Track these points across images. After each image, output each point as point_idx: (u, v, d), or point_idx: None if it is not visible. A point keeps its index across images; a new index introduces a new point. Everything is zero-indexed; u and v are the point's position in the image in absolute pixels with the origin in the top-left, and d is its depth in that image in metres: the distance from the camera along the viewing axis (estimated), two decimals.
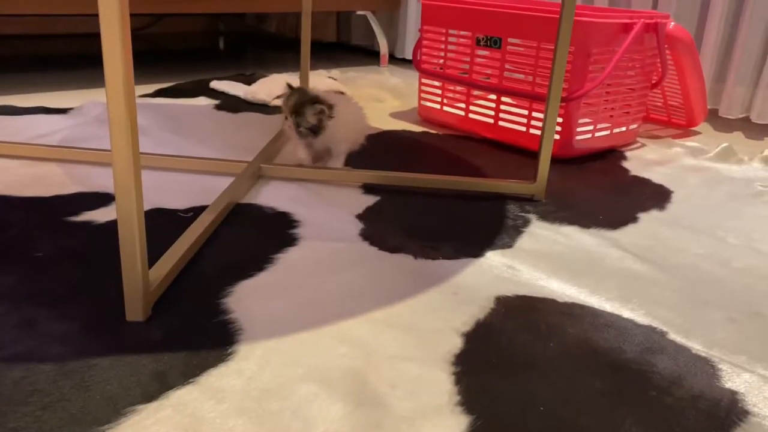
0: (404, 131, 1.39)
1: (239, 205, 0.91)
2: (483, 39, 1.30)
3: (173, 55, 2.20)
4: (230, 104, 1.52)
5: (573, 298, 0.71)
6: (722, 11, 1.55)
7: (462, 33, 1.35)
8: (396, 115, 1.53)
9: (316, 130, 1.02)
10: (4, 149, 1.04)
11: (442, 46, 1.39)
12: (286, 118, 1.03)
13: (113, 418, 0.48)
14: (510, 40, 1.26)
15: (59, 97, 1.47)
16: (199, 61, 2.10)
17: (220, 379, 0.53)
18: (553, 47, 1.19)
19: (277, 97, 1.55)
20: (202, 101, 1.53)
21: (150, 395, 0.51)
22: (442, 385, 0.54)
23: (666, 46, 1.31)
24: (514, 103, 1.31)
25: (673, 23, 1.33)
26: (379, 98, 1.71)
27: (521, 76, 1.27)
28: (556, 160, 1.22)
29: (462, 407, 0.52)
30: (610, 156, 1.29)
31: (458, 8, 1.34)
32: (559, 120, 1.19)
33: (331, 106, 1.02)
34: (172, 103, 1.48)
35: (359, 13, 2.17)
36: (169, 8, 1.65)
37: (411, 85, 1.88)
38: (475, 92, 1.36)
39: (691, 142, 1.39)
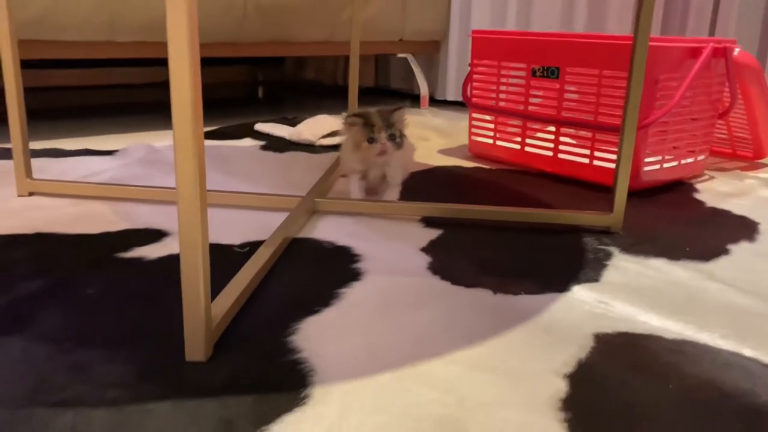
0: (455, 167, 1.33)
1: (296, 240, 0.85)
2: (539, 69, 1.25)
3: (214, 103, 2.20)
4: (276, 145, 1.48)
5: (681, 335, 0.62)
6: None
7: (516, 65, 1.30)
8: (444, 152, 1.48)
9: (402, 136, 1.00)
10: (51, 188, 1.00)
11: (495, 79, 1.35)
12: (372, 140, 0.97)
13: None
14: (569, 69, 1.20)
15: (103, 141, 1.45)
16: (239, 108, 2.10)
17: (297, 426, 0.46)
18: (615, 75, 1.13)
19: (324, 136, 1.51)
20: (248, 142, 1.50)
21: None
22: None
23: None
24: (575, 134, 1.24)
25: (738, 50, 1.26)
26: (423, 137, 1.66)
27: (573, 105, 1.21)
28: None
29: None
30: (679, 188, 1.21)
31: (511, 39, 1.30)
32: None
33: (403, 106, 1.00)
34: (219, 145, 1.45)
35: (399, 56, 2.16)
36: (215, 52, 1.65)
37: (455, 125, 1.83)
38: (531, 125, 1.30)
39: (763, 174, 1.30)
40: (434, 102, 2.36)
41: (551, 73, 1.23)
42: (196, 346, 0.54)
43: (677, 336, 0.62)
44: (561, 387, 0.53)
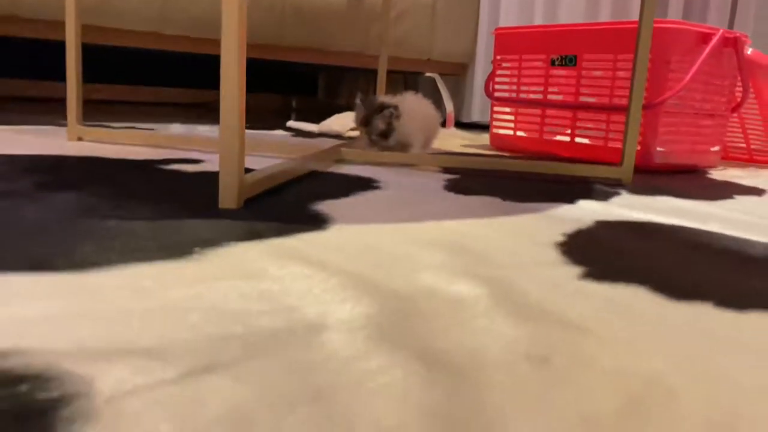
0: (476, 153, 1.38)
1: (321, 172, 0.91)
2: (558, 59, 1.32)
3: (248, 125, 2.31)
4: (306, 135, 1.56)
5: (682, 224, 0.66)
6: None
7: (536, 56, 1.37)
8: (466, 147, 1.54)
9: (387, 134, 1.05)
10: (100, 134, 1.08)
11: (516, 72, 1.42)
12: (366, 131, 1.07)
13: (206, 247, 0.46)
14: (586, 56, 1.27)
15: (146, 125, 1.55)
16: (271, 125, 2.20)
17: (316, 238, 0.51)
18: (629, 58, 1.20)
19: (353, 129, 1.59)
20: (279, 133, 1.58)
21: (245, 239, 0.49)
22: (548, 253, 0.50)
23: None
24: (591, 118, 1.30)
25: (751, 49, 1.32)
26: (446, 140, 1.73)
27: (589, 90, 1.27)
28: (636, 170, 1.18)
29: (574, 263, 0.47)
30: (693, 172, 1.25)
31: (532, 32, 1.38)
32: (640, 131, 1.17)
33: (396, 107, 1.05)
34: (253, 133, 1.54)
35: (427, 75, 2.26)
36: (254, 53, 1.76)
37: (479, 136, 1.90)
38: (550, 113, 1.36)
39: None
40: (459, 125, 2.45)
41: (569, 61, 1.30)
42: (229, 195, 0.59)
43: (678, 224, 0.66)
44: (560, 238, 0.57)
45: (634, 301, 0.40)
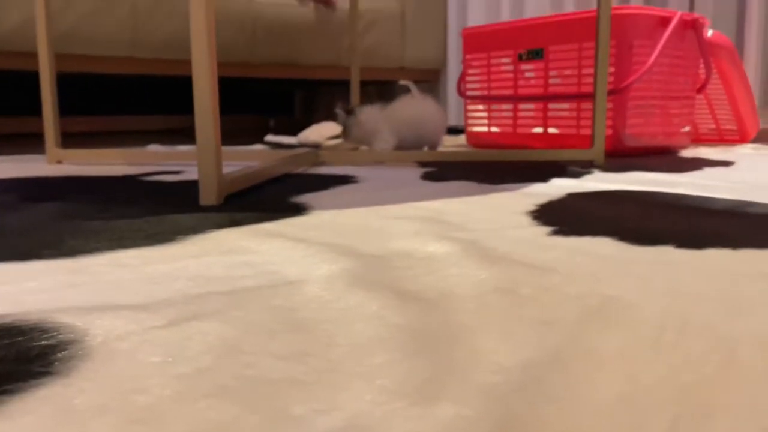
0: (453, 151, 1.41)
1: (298, 174, 0.93)
2: (525, 53, 1.35)
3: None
4: (285, 148, 1.58)
5: (650, 190, 0.68)
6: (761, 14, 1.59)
7: (504, 52, 1.41)
8: (444, 147, 1.56)
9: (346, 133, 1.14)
10: (79, 156, 1.10)
11: (486, 70, 1.45)
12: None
13: (189, 234, 0.48)
14: (552, 48, 1.31)
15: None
16: (249, 142, 2.22)
17: (294, 221, 0.53)
18: (593, 46, 1.23)
19: (331, 138, 1.61)
20: (258, 147, 1.60)
21: (227, 227, 0.50)
22: (520, 219, 0.52)
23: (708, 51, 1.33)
24: (562, 108, 1.33)
25: (712, 31, 1.36)
26: None
27: (558, 81, 1.30)
28: (609, 155, 1.21)
29: (544, 225, 0.50)
30: (664, 153, 1.28)
31: (499, 29, 1.41)
32: (609, 115, 1.20)
33: (353, 109, 1.13)
34: (232, 148, 1.55)
35: (401, 83, 2.29)
36: (228, 72, 1.78)
37: (457, 139, 1.93)
38: (522, 107, 1.39)
39: (748, 146, 1.37)
40: None
41: (536, 54, 1.33)
42: (208, 190, 0.61)
43: (646, 190, 0.68)
44: (531, 208, 0.59)
45: (599, 247, 0.42)
